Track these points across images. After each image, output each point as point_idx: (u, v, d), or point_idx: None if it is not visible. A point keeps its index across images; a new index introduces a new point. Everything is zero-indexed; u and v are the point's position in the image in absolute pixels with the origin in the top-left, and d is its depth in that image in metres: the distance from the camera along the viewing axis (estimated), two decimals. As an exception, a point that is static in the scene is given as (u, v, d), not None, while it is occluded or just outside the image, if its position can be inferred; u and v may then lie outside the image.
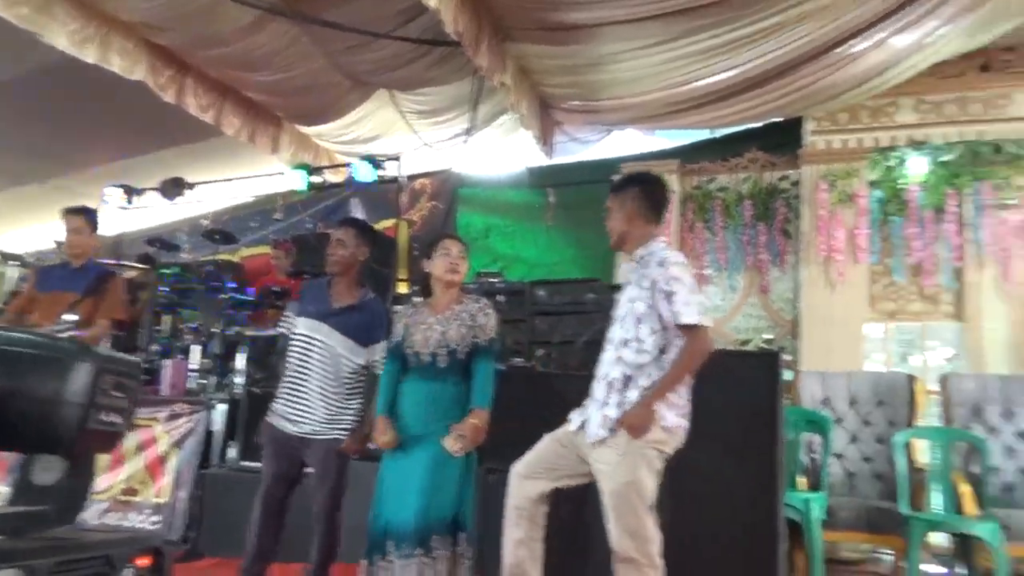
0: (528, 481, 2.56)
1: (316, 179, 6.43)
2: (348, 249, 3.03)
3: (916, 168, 5.48)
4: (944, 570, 4.67)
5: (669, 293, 2.39)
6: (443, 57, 5.63)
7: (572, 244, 6.97)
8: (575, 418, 2.57)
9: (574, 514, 2.77)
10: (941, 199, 5.41)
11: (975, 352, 5.26)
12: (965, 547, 4.05)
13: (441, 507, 2.65)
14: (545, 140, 6.50)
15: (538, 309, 5.05)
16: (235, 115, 6.53)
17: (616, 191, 2.65)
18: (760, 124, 6.25)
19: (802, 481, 4.25)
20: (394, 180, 6.44)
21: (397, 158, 6.48)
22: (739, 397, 3.34)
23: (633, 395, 2.41)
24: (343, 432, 2.92)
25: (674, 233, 6.22)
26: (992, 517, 3.76)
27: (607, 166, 6.60)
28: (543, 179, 7.04)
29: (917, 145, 5.53)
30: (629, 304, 2.52)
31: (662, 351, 2.42)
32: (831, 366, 5.21)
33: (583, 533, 2.64)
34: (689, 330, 2.38)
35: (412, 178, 7.32)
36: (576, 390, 2.61)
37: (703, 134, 6.66)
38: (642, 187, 2.63)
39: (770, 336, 5.88)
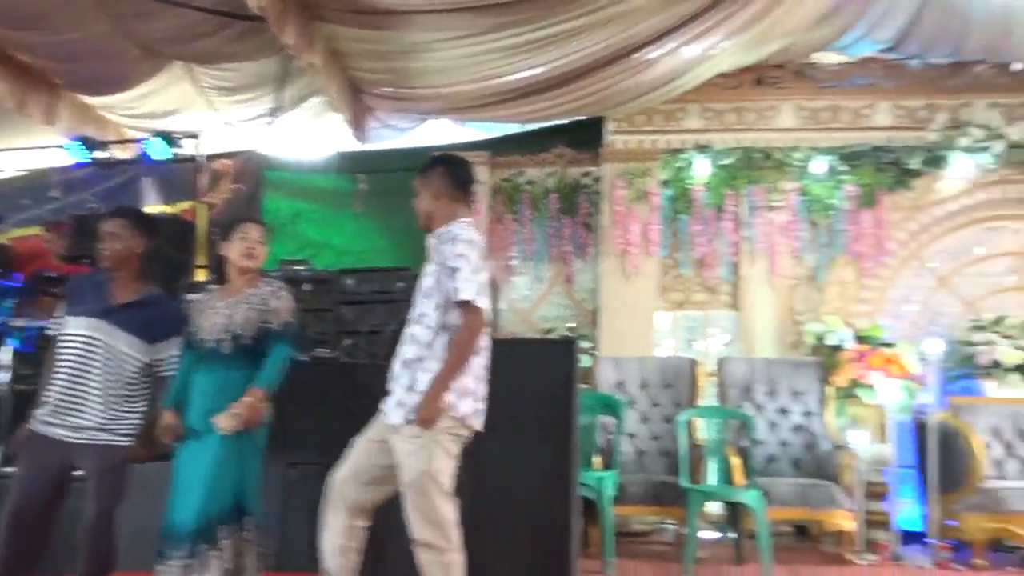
0: (348, 490, 2.51)
1: (101, 154, 5.88)
2: (121, 242, 2.77)
3: (701, 170, 5.98)
4: (719, 535, 5.18)
5: (453, 269, 2.45)
6: (245, 32, 5.33)
7: (382, 232, 6.90)
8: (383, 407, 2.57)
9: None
10: (721, 199, 5.95)
11: (748, 338, 5.86)
12: (735, 514, 4.52)
13: (222, 496, 2.55)
14: (357, 125, 6.37)
15: (345, 298, 4.95)
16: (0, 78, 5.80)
17: (423, 172, 2.69)
18: (567, 121, 6.53)
19: (597, 461, 4.52)
20: (192, 159, 6.04)
21: (196, 136, 6.08)
22: (538, 383, 3.48)
23: (422, 377, 2.44)
24: (124, 437, 2.70)
25: (483, 224, 6.34)
26: (756, 486, 4.21)
27: (419, 154, 6.54)
28: (354, 165, 6.90)
29: (702, 149, 6.03)
30: (422, 280, 2.56)
31: (443, 327, 2.47)
32: (626, 352, 5.59)
33: (385, 521, 2.63)
34: (464, 307, 2.44)
35: (212, 158, 6.87)
36: (384, 380, 2.60)
37: (514, 128, 6.82)
38: (447, 167, 2.69)
39: (573, 324, 6.17)
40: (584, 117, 6.33)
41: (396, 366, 2.54)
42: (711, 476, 4.47)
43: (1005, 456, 5.12)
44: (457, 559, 2.41)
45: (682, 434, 4.44)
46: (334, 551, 2.47)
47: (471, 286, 2.42)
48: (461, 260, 2.45)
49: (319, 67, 5.31)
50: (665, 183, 6.08)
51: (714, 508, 5.15)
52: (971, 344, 5.48)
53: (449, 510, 2.42)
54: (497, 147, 6.62)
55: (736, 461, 4.47)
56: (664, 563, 4.34)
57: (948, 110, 5.89)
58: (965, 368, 5.52)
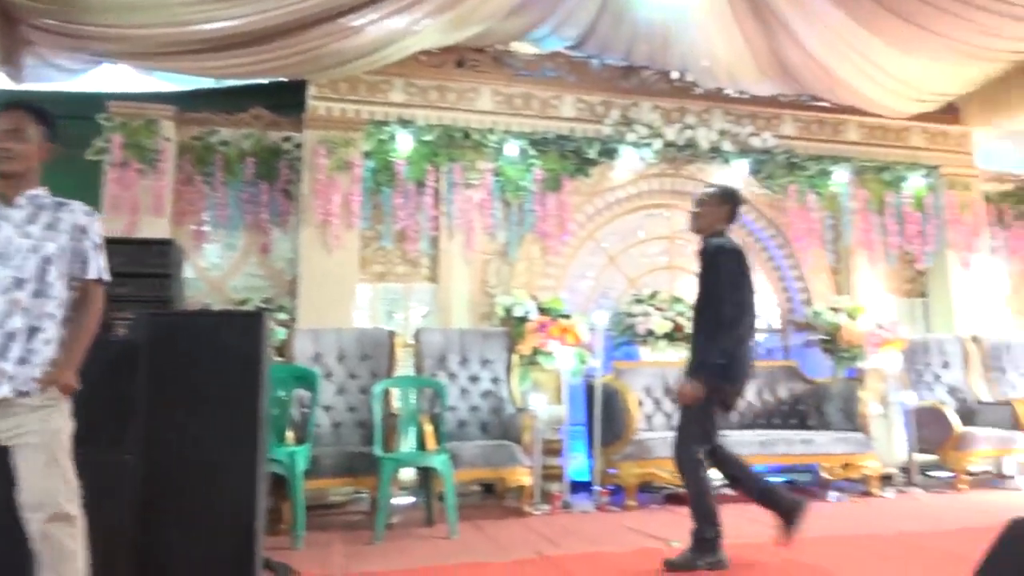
0: None
1: None
2: None
3: (403, 144, 6.06)
4: (412, 499, 5.36)
5: (96, 245, 2.38)
6: None
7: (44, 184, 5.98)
8: None
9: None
10: (423, 174, 6.09)
11: (445, 310, 6.09)
12: (427, 478, 4.71)
13: None
14: (9, 60, 5.42)
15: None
16: None
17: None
18: (266, 81, 6.19)
19: (291, 435, 4.41)
20: None
21: None
22: (224, 357, 3.28)
23: (42, 347, 2.25)
24: None
25: (169, 185, 5.80)
26: (445, 450, 4.41)
27: (90, 101, 5.81)
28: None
29: (405, 123, 6.11)
30: (27, 242, 2.28)
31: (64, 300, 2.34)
32: (326, 324, 5.51)
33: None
34: (96, 284, 2.38)
35: None
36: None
37: (207, 83, 6.31)
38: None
39: (269, 296, 5.92)
40: (285, 79, 6.06)
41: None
42: (406, 444, 4.61)
43: (654, 411, 5.98)
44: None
45: (377, 404, 4.51)
46: None
47: (103, 264, 2.40)
48: (99, 236, 2.43)
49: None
50: (368, 154, 6.05)
51: (409, 475, 5.33)
52: (631, 315, 6.27)
53: (74, 475, 2.27)
54: (186, 102, 6.07)
55: (429, 428, 4.65)
56: (356, 531, 4.38)
57: (620, 108, 6.63)
58: (626, 336, 6.31)
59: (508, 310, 5.70)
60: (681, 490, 5.58)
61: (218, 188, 5.92)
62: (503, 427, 5.29)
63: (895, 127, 7.36)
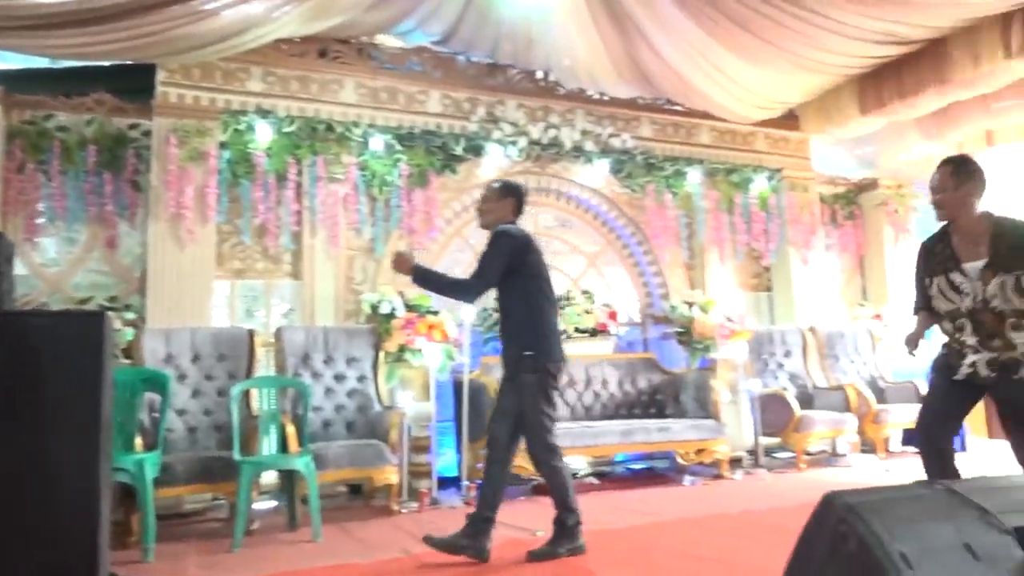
0: None
1: None
2: None
3: (263, 135, 5.82)
4: (275, 503, 5.18)
5: None
6: None
7: None
8: None
9: None
10: (284, 167, 5.88)
11: (308, 307, 5.92)
12: (290, 481, 4.56)
13: None
14: None
15: None
16: None
17: None
18: (109, 64, 5.77)
19: (140, 442, 4.15)
20: None
21: None
22: (62, 361, 3.04)
23: None
24: None
25: (-2, 173, 5.29)
26: (308, 452, 4.30)
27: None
28: None
29: (264, 113, 5.87)
30: None
31: None
32: (181, 324, 5.22)
33: None
34: None
35: None
36: None
37: (41, 62, 5.80)
38: None
39: (115, 294, 5.53)
40: (131, 62, 5.67)
41: None
42: (267, 447, 4.44)
43: (521, 404, 6.08)
44: None
45: (235, 407, 4.32)
46: None
47: None
48: None
49: None
50: (224, 145, 5.77)
51: (271, 478, 5.15)
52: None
53: None
54: (16, 83, 5.55)
55: (291, 429, 4.51)
56: (214, 540, 4.19)
57: (486, 105, 6.68)
58: (494, 332, 6.38)
59: (375, 307, 5.62)
60: (547, 481, 5.75)
61: (55, 177, 5.46)
62: (370, 426, 5.21)
63: (742, 132, 7.85)
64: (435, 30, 6.16)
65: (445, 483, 5.77)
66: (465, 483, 5.39)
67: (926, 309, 3.17)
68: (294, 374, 5.23)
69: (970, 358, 2.98)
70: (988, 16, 5.79)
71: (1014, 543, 1.30)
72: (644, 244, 7.28)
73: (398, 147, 6.23)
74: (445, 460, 6.12)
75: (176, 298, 5.46)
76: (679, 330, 6.87)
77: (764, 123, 7.86)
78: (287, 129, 5.90)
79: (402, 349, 5.44)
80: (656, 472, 6.47)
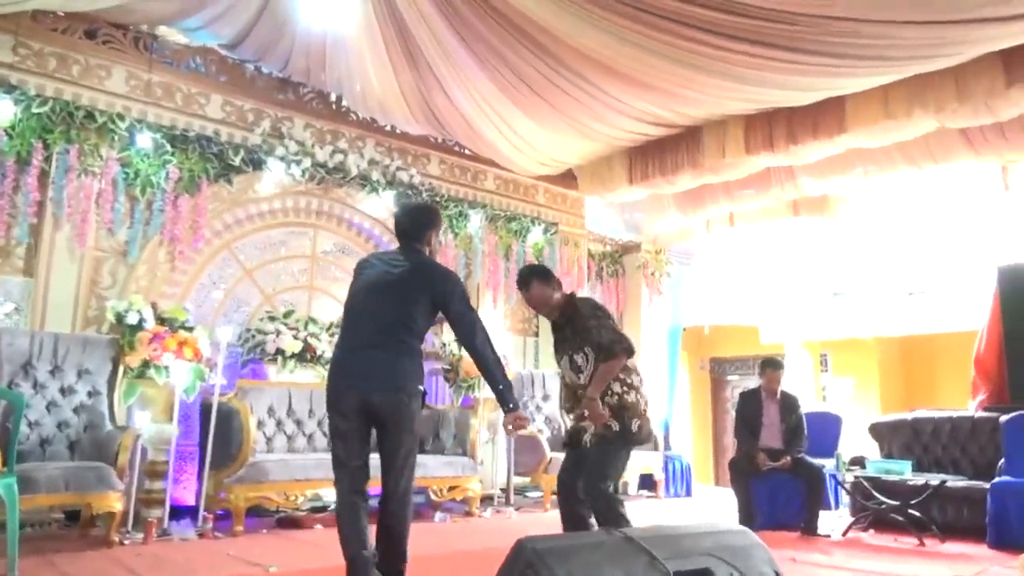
0: None
1: None
2: None
3: (4, 111, 5.16)
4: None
5: None
6: None
7: None
8: None
9: None
10: (29, 150, 5.24)
11: (39, 309, 5.27)
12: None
13: None
14: None
15: None
16: None
17: None
18: None
19: None
20: None
21: None
22: None
23: None
24: None
25: None
26: (12, 473, 3.79)
27: None
28: None
29: (10, 88, 5.22)
30: None
31: None
32: None
33: None
34: None
35: None
36: None
37: None
38: None
39: None
40: None
41: None
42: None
43: (276, 432, 5.84)
44: None
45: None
46: None
47: None
48: None
49: None
50: (-45, 116, 5.03)
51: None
52: (263, 332, 6.07)
53: None
54: None
55: (-5, 447, 3.96)
56: None
57: (272, 119, 6.44)
58: (255, 353, 6.09)
59: (120, 316, 5.13)
60: (299, 513, 5.54)
61: None
62: (98, 447, 4.72)
63: (525, 184, 8.27)
64: (224, 33, 5.86)
65: (184, 512, 5.37)
66: (203, 513, 5.04)
67: None
68: (10, 383, 4.62)
69: None
70: (734, 115, 6.65)
71: (673, 585, 1.46)
72: (422, 279, 7.35)
73: (169, 148, 5.81)
74: (187, 488, 5.70)
75: None
76: (446, 367, 6.99)
77: (545, 178, 8.34)
78: (37, 109, 5.27)
79: (146, 365, 5.00)
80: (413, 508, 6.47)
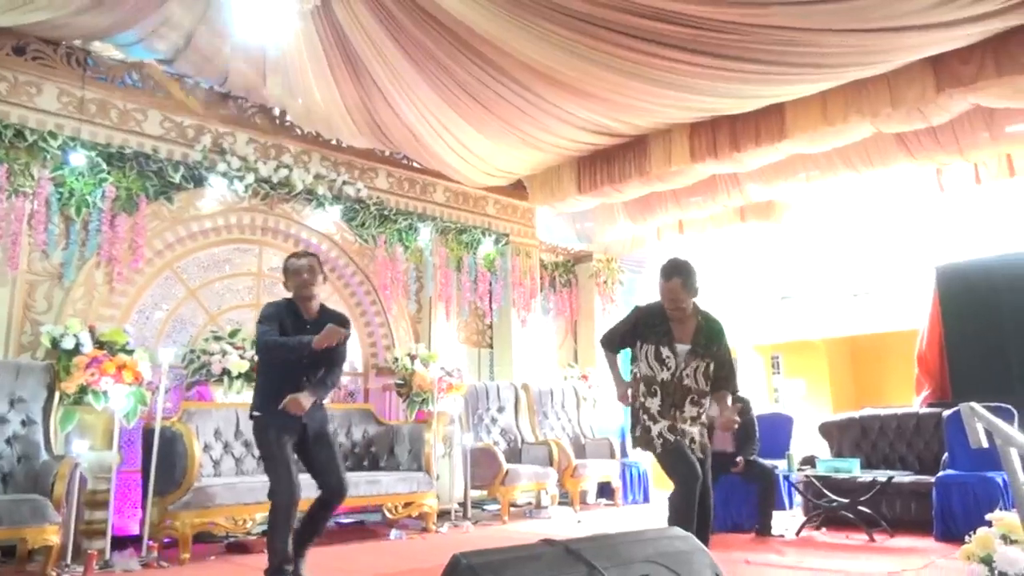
0: None
1: None
2: None
3: (-76, 128, 4.96)
4: None
5: None
6: None
7: None
8: None
9: None
10: (-49, 169, 5.04)
11: (-31, 336, 5.06)
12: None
13: None
14: None
15: None
16: None
17: None
18: None
19: None
20: None
21: None
22: None
23: None
24: None
25: None
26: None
27: None
28: None
29: (-68, 105, 5.03)
30: None
31: None
32: None
33: None
34: None
35: None
36: None
37: None
38: None
39: None
40: None
41: None
42: None
43: (223, 455, 5.68)
44: None
45: None
46: None
47: None
48: None
49: None
50: None
51: None
52: (208, 353, 5.91)
53: None
54: None
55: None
56: None
57: (214, 135, 6.31)
58: (201, 375, 5.92)
59: (55, 341, 4.95)
60: (249, 537, 5.39)
61: None
62: (33, 478, 4.53)
63: (475, 195, 8.25)
64: (160, 48, 5.73)
65: (127, 542, 5.18)
66: (148, 543, 4.86)
67: (616, 353, 4.12)
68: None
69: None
70: (679, 123, 6.73)
71: (613, 595, 1.43)
72: (372, 294, 7.28)
73: (104, 166, 5.65)
74: (130, 517, 5.51)
75: None
76: (399, 382, 6.90)
77: (495, 189, 8.34)
78: (-37, 128, 5.09)
79: (83, 390, 4.83)
80: (366, 526, 6.37)
